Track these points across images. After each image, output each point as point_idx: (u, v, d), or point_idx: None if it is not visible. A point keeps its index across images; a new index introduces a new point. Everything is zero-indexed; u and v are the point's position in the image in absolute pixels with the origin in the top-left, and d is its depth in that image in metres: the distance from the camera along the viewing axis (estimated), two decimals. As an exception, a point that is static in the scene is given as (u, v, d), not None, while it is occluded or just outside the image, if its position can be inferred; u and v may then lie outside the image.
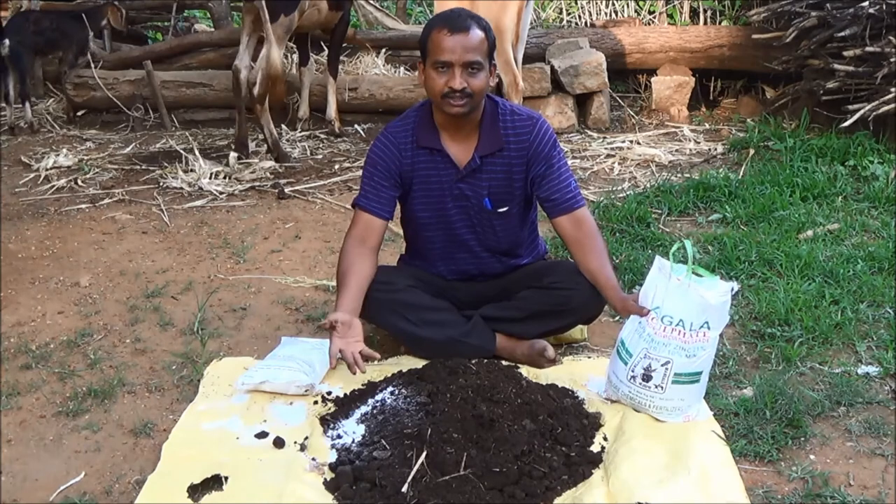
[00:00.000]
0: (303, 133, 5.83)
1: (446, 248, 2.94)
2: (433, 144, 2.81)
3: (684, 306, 2.41)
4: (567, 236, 2.84)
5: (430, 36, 2.69)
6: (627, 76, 6.72)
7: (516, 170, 2.82)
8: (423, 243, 2.98)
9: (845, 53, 5.04)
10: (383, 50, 6.76)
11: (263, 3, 4.74)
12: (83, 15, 6.49)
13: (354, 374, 2.68)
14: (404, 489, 2.14)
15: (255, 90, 4.93)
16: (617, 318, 3.17)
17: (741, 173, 4.77)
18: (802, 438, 2.45)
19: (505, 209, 2.87)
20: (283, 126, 5.85)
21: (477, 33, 2.67)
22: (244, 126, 5.21)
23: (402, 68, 6.60)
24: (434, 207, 2.87)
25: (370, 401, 2.58)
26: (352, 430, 2.46)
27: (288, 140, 5.63)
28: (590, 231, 2.81)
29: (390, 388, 2.61)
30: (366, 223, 2.85)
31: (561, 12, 7.66)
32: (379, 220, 2.85)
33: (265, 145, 5.28)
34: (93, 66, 6.27)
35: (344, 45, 7.30)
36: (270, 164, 5.10)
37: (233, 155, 5.07)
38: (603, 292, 2.73)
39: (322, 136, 5.79)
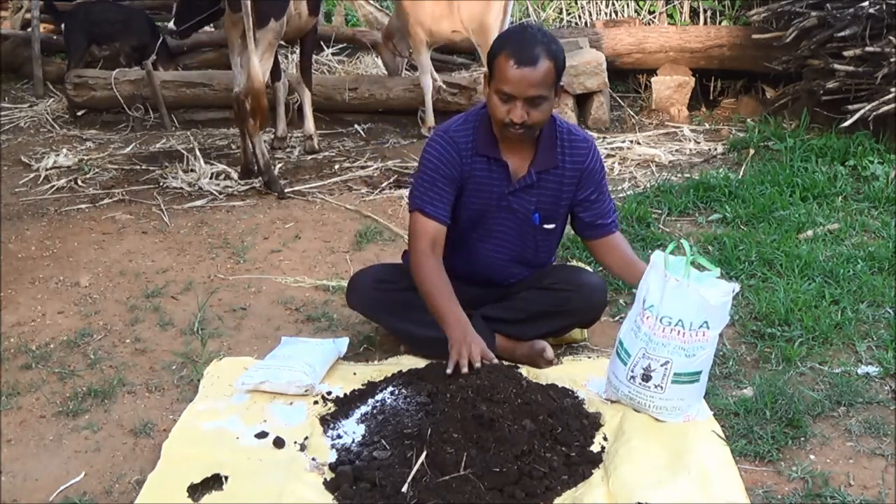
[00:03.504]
0: (301, 132, 5.83)
1: (473, 253, 2.90)
2: (493, 154, 2.75)
3: (683, 306, 2.41)
4: (600, 251, 2.90)
5: (498, 60, 2.60)
6: (627, 76, 6.72)
7: (566, 189, 2.81)
8: (452, 242, 2.87)
9: (845, 53, 5.04)
10: (383, 50, 6.75)
11: (249, 4, 4.26)
12: (151, 21, 6.74)
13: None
14: (404, 489, 2.14)
15: (248, 104, 4.48)
16: (617, 318, 3.18)
17: (741, 173, 4.77)
18: (802, 438, 2.45)
19: (552, 226, 2.87)
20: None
21: (544, 64, 2.55)
22: (249, 152, 4.79)
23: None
24: (476, 214, 2.83)
25: (370, 401, 2.58)
26: (352, 430, 2.46)
27: (290, 139, 5.63)
28: (621, 244, 2.89)
29: (390, 388, 2.62)
30: (434, 232, 2.71)
31: (561, 12, 7.65)
32: (444, 228, 2.74)
33: (269, 144, 5.26)
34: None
35: (343, 44, 7.35)
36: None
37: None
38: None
39: (321, 135, 5.77)
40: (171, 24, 5.06)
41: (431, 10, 5.24)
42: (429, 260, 2.67)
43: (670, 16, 7.35)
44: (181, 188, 4.77)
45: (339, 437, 2.45)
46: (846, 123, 4.98)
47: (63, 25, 6.67)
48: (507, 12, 5.16)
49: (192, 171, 4.96)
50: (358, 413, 2.54)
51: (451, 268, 2.94)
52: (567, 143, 2.79)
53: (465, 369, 2.43)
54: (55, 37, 7.23)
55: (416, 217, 2.73)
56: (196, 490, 2.23)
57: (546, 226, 2.85)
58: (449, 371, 2.47)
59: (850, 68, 5.05)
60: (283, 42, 5.16)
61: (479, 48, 5.13)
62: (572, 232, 3.03)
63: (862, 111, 4.93)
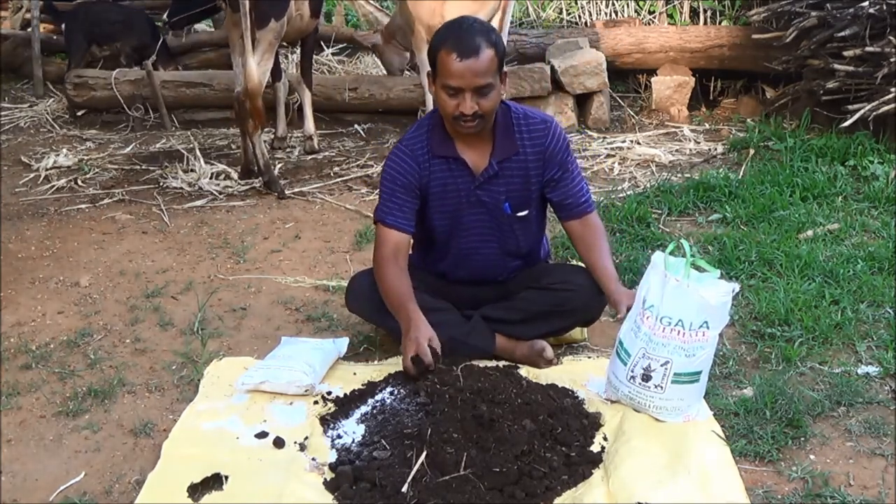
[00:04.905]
0: (301, 132, 5.82)
1: (461, 254, 2.91)
2: (449, 153, 2.77)
3: (683, 306, 2.41)
4: (574, 236, 2.88)
5: (439, 56, 2.61)
6: (627, 76, 6.71)
7: (533, 173, 2.81)
8: (437, 247, 2.94)
9: (845, 53, 5.04)
10: (383, 50, 6.74)
11: (247, 4, 4.26)
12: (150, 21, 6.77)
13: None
14: (404, 489, 2.14)
15: (248, 104, 4.50)
16: (617, 318, 3.18)
17: (741, 173, 4.77)
18: (802, 438, 2.45)
19: (525, 213, 2.86)
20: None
21: (486, 54, 2.57)
22: (249, 152, 4.79)
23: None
24: (451, 216, 2.84)
25: (370, 401, 2.58)
26: (352, 430, 2.46)
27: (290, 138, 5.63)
28: (597, 231, 2.86)
29: (390, 388, 2.62)
30: (395, 241, 2.76)
31: (561, 12, 7.65)
32: (407, 236, 2.80)
33: (269, 144, 5.26)
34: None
35: (343, 44, 7.35)
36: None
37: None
38: (602, 283, 2.76)
39: (321, 135, 5.77)
40: (164, 16, 5.06)
41: (429, 7, 5.29)
42: (390, 266, 2.74)
43: (670, 16, 7.35)
44: (181, 188, 4.78)
45: (339, 437, 2.45)
46: (846, 123, 4.98)
47: (63, 25, 6.68)
48: (504, 12, 5.16)
49: (192, 171, 4.96)
50: (358, 413, 2.54)
51: (445, 272, 2.97)
52: (525, 128, 2.79)
53: (410, 372, 2.56)
54: (55, 37, 7.23)
55: (379, 228, 2.80)
56: (196, 490, 2.23)
57: (519, 213, 2.85)
58: (413, 373, 2.57)
59: (850, 68, 5.05)
60: (283, 43, 5.16)
61: None
62: (542, 225, 3.02)
63: (862, 111, 4.93)
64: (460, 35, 2.60)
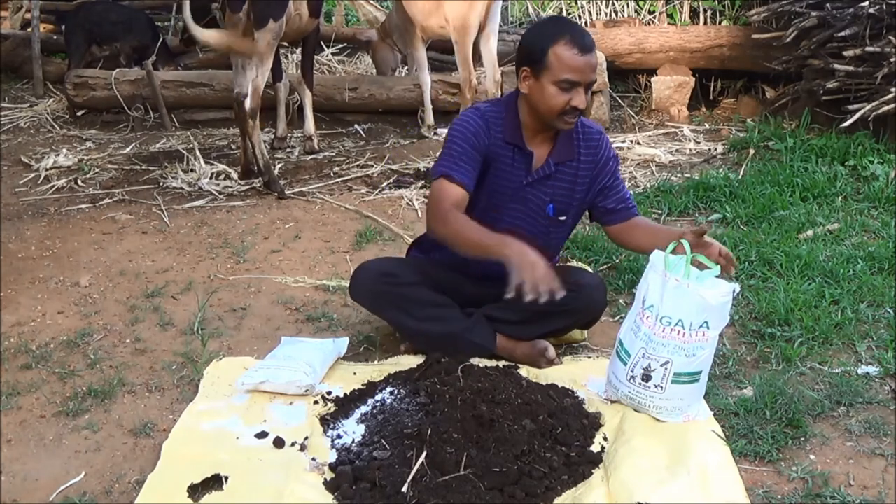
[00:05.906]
0: (301, 132, 5.83)
1: None
2: (519, 143, 2.76)
3: (683, 306, 2.41)
4: (627, 234, 2.92)
5: (554, 50, 2.60)
6: (627, 76, 6.72)
7: (581, 181, 2.83)
8: None
9: (845, 53, 5.05)
10: (383, 50, 6.74)
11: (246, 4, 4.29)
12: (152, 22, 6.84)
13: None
14: (404, 489, 2.14)
15: (247, 104, 4.52)
16: (617, 318, 3.18)
17: (741, 173, 4.78)
18: (802, 438, 2.45)
19: (564, 218, 2.88)
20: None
21: (595, 50, 2.67)
22: (249, 152, 4.77)
23: (402, 68, 6.61)
24: (492, 203, 2.81)
25: (370, 401, 2.58)
26: (352, 430, 2.46)
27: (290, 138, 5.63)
28: (647, 219, 2.96)
29: (390, 388, 2.62)
30: (459, 196, 2.63)
31: (561, 12, 7.65)
32: (467, 197, 2.66)
33: (269, 144, 5.26)
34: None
35: (343, 44, 7.35)
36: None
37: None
38: (673, 235, 2.70)
39: (321, 135, 5.77)
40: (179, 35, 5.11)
41: (422, 7, 5.32)
42: (455, 212, 2.59)
43: (670, 16, 7.35)
44: (181, 188, 4.78)
45: (339, 437, 2.45)
46: (846, 123, 4.98)
47: (63, 25, 6.69)
48: (490, 13, 5.19)
49: (192, 171, 4.97)
50: (358, 413, 2.54)
51: (457, 263, 2.91)
52: (582, 136, 2.82)
53: (529, 295, 2.36)
54: (55, 37, 7.24)
55: (442, 183, 2.65)
56: (196, 490, 2.22)
57: (560, 217, 2.86)
58: (509, 295, 2.37)
59: (850, 68, 5.06)
60: (284, 43, 5.16)
61: (455, 45, 5.20)
62: (572, 231, 3.03)
63: (862, 111, 4.93)
64: (575, 31, 2.65)
